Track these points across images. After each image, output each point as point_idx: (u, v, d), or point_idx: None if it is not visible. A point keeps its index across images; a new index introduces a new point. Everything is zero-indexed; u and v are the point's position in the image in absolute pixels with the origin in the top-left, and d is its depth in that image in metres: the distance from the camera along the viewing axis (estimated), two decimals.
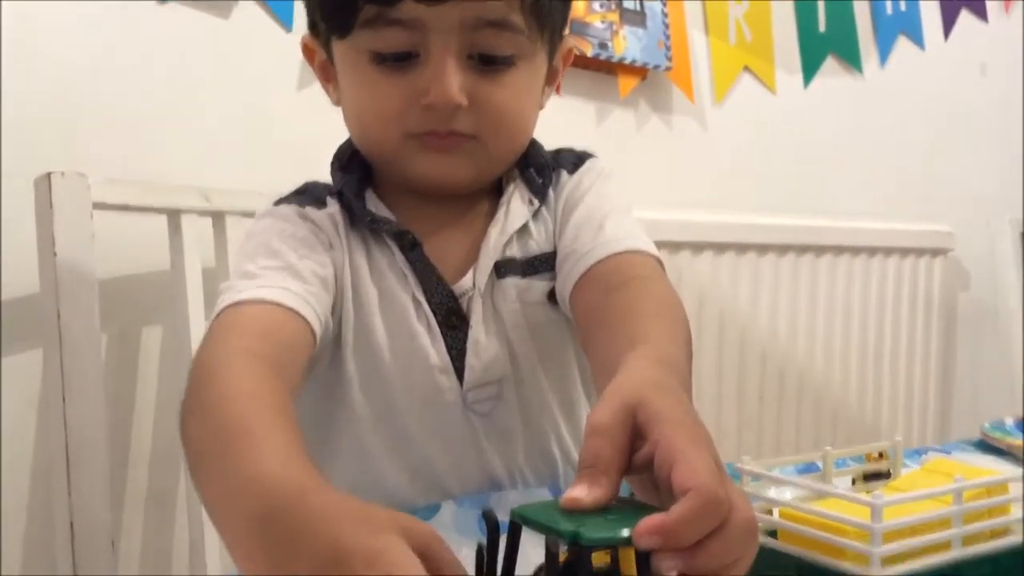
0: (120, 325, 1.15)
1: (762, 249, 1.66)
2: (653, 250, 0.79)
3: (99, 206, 0.99)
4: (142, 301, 1.17)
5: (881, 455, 0.68)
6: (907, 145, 1.95)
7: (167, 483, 1.17)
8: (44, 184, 0.97)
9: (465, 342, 0.81)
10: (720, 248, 1.60)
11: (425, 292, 0.81)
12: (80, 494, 0.94)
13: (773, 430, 1.70)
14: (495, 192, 0.86)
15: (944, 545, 0.54)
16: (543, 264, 0.83)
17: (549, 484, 0.84)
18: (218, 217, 1.10)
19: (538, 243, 0.84)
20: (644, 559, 0.46)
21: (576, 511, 0.47)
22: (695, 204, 1.60)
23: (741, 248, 1.63)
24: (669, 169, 1.65)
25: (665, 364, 0.58)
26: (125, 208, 1.03)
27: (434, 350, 0.80)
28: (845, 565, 0.52)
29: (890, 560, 0.52)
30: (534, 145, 0.87)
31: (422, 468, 0.82)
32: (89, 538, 0.94)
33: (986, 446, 1.06)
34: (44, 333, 0.97)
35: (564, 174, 0.87)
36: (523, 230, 0.84)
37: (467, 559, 0.48)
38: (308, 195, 0.84)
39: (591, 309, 0.75)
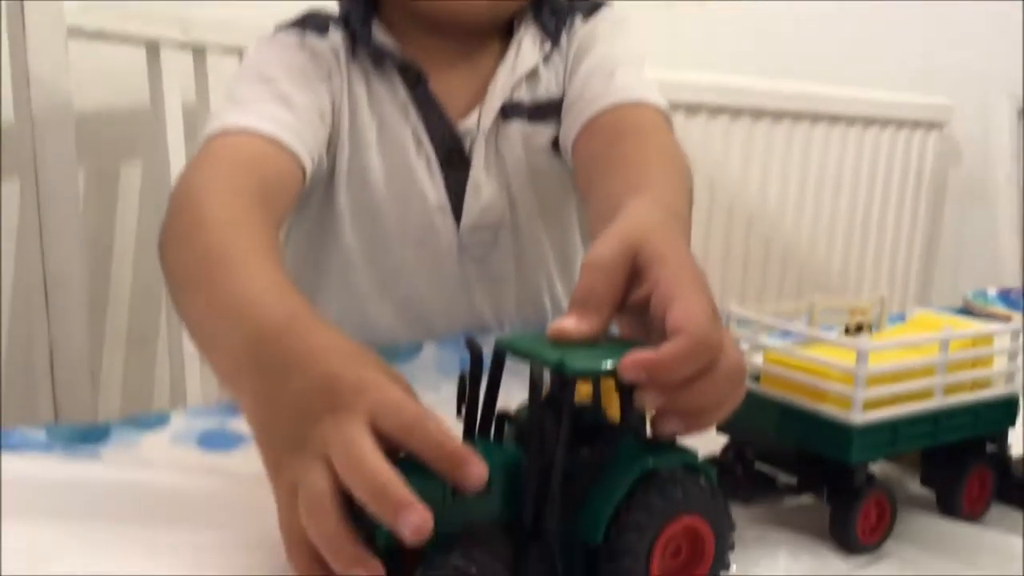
0: (98, 161, 1.13)
1: (757, 114, 1.63)
2: (662, 103, 0.77)
3: (74, 32, 0.96)
4: (121, 137, 1.14)
5: (864, 314, 0.68)
6: (910, 14, 1.89)
7: (147, 322, 1.16)
8: (16, 8, 0.93)
9: (465, 183, 0.80)
10: (714, 111, 1.57)
11: (427, 129, 0.79)
12: (59, 325, 0.93)
13: (755, 296, 1.71)
14: (506, 33, 0.83)
15: (926, 393, 0.54)
16: (551, 110, 0.81)
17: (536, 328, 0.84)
18: (199, 51, 1.06)
19: (547, 88, 0.82)
20: (628, 395, 0.46)
21: (563, 343, 0.47)
22: (689, 65, 1.55)
23: (735, 112, 1.60)
24: (665, 27, 1.60)
25: (669, 211, 0.57)
26: (101, 34, 0.99)
27: (432, 188, 0.79)
28: (826, 409, 0.52)
29: (871, 405, 0.52)
30: None
31: (411, 308, 0.81)
32: (69, 370, 0.94)
33: (967, 313, 1.07)
34: (19, 165, 0.95)
35: (579, 20, 0.84)
36: (533, 74, 0.82)
37: (448, 398, 0.47)
38: (310, 22, 0.80)
39: (594, 157, 0.74)
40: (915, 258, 1.93)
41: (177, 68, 1.04)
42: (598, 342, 0.48)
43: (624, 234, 0.49)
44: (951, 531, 0.55)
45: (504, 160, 0.81)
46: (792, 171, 1.71)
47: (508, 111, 0.80)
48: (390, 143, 0.79)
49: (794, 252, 1.76)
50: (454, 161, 0.80)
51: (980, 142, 1.91)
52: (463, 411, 0.48)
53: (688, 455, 0.46)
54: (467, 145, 0.80)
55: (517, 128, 0.80)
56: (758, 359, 0.56)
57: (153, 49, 1.03)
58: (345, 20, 0.80)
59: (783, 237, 1.74)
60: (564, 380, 0.44)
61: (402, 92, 0.79)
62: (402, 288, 0.81)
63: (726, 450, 0.60)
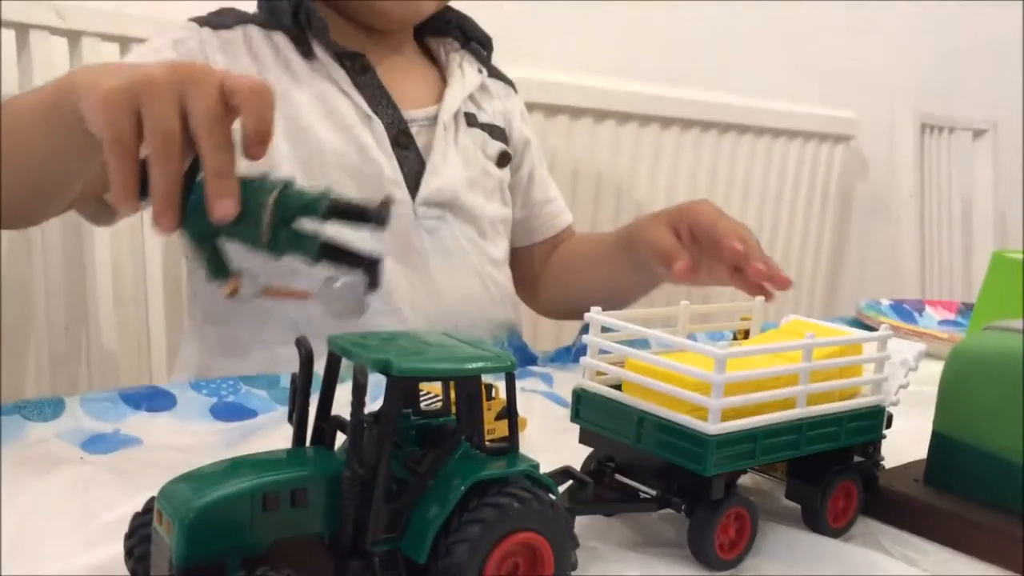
0: None
1: (666, 122, 1.61)
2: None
3: None
4: None
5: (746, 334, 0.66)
6: (819, 26, 1.90)
7: None
8: None
9: (412, 162, 0.90)
10: (623, 118, 1.55)
11: (374, 111, 0.89)
12: None
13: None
14: (422, 52, 1.00)
15: (789, 402, 0.52)
16: (497, 133, 0.99)
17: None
18: (74, 37, 1.01)
19: (491, 116, 0.99)
20: (468, 399, 0.43)
21: (400, 343, 0.43)
22: (597, 70, 1.53)
23: (644, 120, 1.58)
24: (573, 31, 1.58)
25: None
26: None
27: (387, 163, 0.88)
28: (684, 418, 0.50)
29: (732, 415, 0.50)
30: (467, 18, 1.00)
31: None
32: None
33: (860, 324, 1.06)
34: None
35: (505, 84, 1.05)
36: (472, 97, 0.97)
37: None
38: (217, 16, 0.89)
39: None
40: (821, 270, 1.94)
41: (49, 52, 0.98)
42: (430, 349, 0.45)
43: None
44: (814, 547, 0.53)
45: (460, 152, 0.93)
46: (700, 180, 1.70)
47: (468, 118, 0.96)
48: (333, 119, 0.87)
49: None
50: (401, 142, 0.90)
51: (886, 156, 1.93)
52: (294, 416, 0.44)
53: (527, 465, 0.43)
54: (414, 129, 0.91)
55: (477, 133, 0.96)
56: (621, 367, 0.54)
57: (23, 33, 0.97)
58: (294, 15, 0.86)
59: None
60: (391, 382, 0.41)
61: (343, 78, 0.88)
62: None
63: (588, 461, 0.57)
